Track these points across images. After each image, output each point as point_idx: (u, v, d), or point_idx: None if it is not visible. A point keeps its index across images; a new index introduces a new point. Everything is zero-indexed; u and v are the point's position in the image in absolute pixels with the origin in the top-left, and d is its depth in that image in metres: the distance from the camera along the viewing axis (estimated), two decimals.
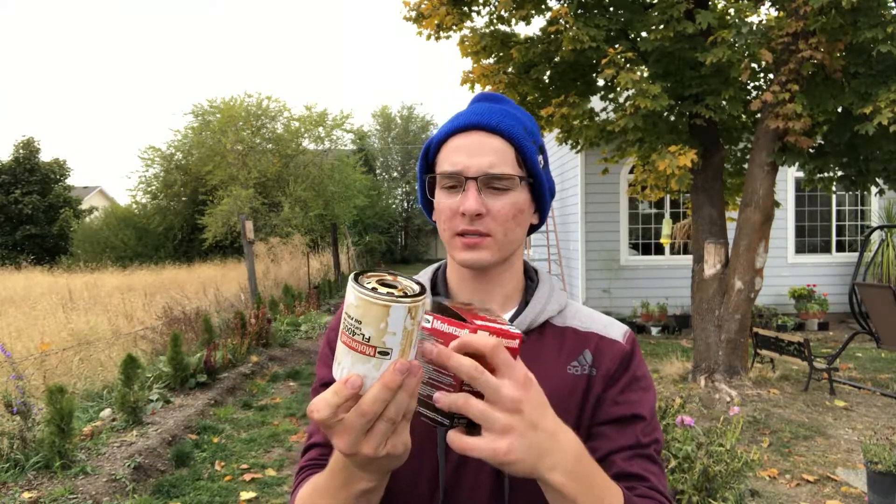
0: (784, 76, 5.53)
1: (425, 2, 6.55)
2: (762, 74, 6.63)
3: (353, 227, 24.99)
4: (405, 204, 33.30)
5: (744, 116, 6.58)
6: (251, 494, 3.94)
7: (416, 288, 0.63)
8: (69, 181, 28.37)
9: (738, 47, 5.55)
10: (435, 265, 1.04)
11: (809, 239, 10.46)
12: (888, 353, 7.84)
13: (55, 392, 3.84)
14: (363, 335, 0.59)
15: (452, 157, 0.88)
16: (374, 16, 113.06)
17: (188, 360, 5.96)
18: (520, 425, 0.62)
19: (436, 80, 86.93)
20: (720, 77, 5.79)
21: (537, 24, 57.31)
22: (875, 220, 10.42)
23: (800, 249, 10.42)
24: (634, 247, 10.49)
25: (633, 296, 10.11)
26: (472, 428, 0.65)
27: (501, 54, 6.81)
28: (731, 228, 6.57)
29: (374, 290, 0.60)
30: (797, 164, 6.15)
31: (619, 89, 6.24)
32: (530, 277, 1.00)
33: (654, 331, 9.66)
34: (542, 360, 0.88)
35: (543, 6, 6.45)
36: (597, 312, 0.98)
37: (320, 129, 21.31)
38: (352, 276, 0.62)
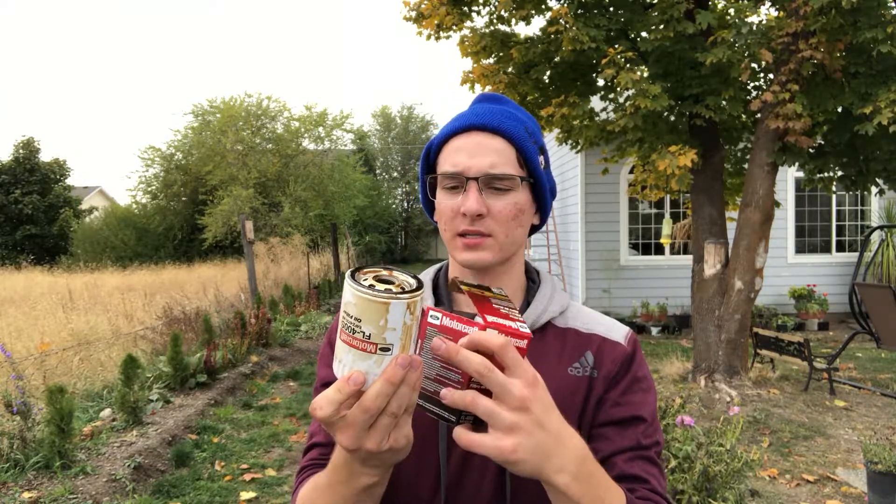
0: (784, 76, 5.53)
1: (425, 2, 6.55)
2: (762, 74, 6.63)
3: (353, 227, 24.99)
4: (405, 204, 33.30)
5: (744, 116, 6.58)
6: (251, 494, 3.94)
7: (413, 282, 0.63)
8: (69, 181, 28.36)
9: (738, 47, 5.55)
10: (437, 266, 1.04)
11: (809, 239, 10.46)
12: (888, 353, 7.84)
13: (55, 392, 3.84)
14: (363, 333, 0.59)
15: (453, 158, 0.89)
16: (374, 16, 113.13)
17: (188, 360, 5.96)
18: (527, 424, 0.63)
19: (436, 80, 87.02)
20: (720, 77, 5.79)
21: (537, 24, 57.41)
22: (875, 220, 10.42)
23: (800, 249, 10.42)
24: (634, 247, 10.49)
25: (633, 296, 10.11)
26: (479, 425, 0.65)
27: (501, 54, 6.81)
28: (731, 228, 6.57)
29: (371, 287, 0.60)
30: (797, 164, 6.15)
31: (619, 89, 6.24)
32: (531, 278, 1.00)
33: (654, 331, 9.66)
34: (543, 362, 0.87)
35: (543, 6, 6.45)
36: (599, 314, 0.98)
37: (320, 129, 21.31)
38: (348, 273, 0.62)
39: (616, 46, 5.88)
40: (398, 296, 0.59)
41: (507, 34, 6.78)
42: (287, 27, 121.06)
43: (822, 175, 6.58)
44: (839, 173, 6.52)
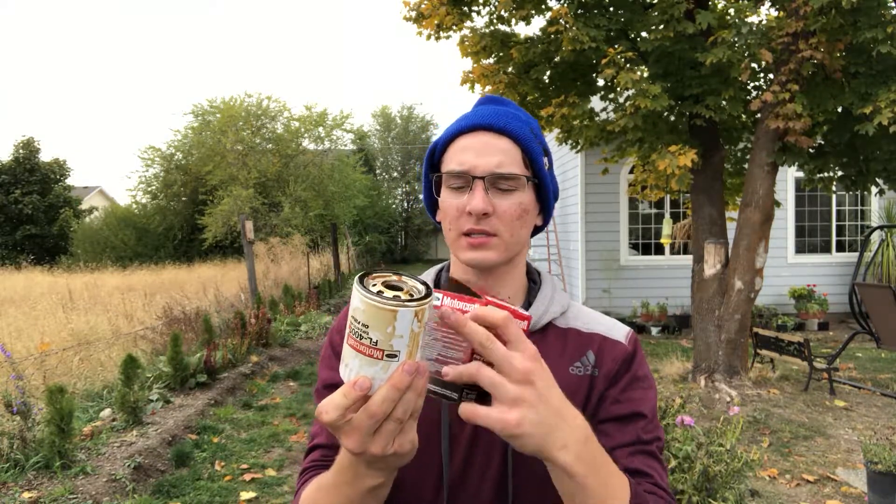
0: (784, 76, 5.53)
1: (425, 2, 6.55)
2: (762, 74, 6.63)
3: (353, 227, 24.99)
4: (405, 204, 33.31)
5: (744, 116, 6.58)
6: (251, 494, 3.94)
7: (422, 289, 0.63)
8: (69, 181, 28.37)
9: (738, 47, 5.55)
10: (438, 266, 1.04)
11: (809, 239, 10.46)
12: (888, 353, 7.84)
13: (55, 392, 3.84)
14: (371, 339, 0.59)
15: (459, 157, 0.89)
16: (374, 16, 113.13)
17: (188, 360, 5.96)
18: (531, 397, 0.63)
19: (436, 80, 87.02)
20: (720, 77, 5.79)
21: (537, 24, 57.37)
22: (875, 220, 10.42)
23: (800, 249, 10.42)
24: (634, 247, 10.49)
25: (633, 296, 10.11)
26: (482, 402, 0.65)
27: (501, 54, 6.81)
28: (731, 228, 6.57)
29: (379, 293, 0.60)
30: (797, 164, 6.15)
31: (619, 89, 6.24)
32: (532, 279, 1.00)
33: (654, 331, 9.66)
34: (544, 361, 0.88)
35: (543, 6, 6.46)
36: (599, 314, 0.98)
37: (320, 129, 21.30)
38: (356, 278, 0.62)
39: (616, 46, 5.88)
40: (406, 303, 0.59)
41: (507, 34, 6.79)
42: (287, 27, 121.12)
43: (822, 175, 6.58)
44: (839, 173, 6.52)
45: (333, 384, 0.91)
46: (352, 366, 0.62)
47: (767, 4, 6.39)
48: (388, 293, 0.60)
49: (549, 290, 0.97)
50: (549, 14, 6.32)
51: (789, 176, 10.03)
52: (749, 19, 5.70)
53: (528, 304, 0.96)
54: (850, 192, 9.40)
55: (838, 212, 10.49)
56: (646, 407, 0.88)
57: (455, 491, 0.87)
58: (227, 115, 19.60)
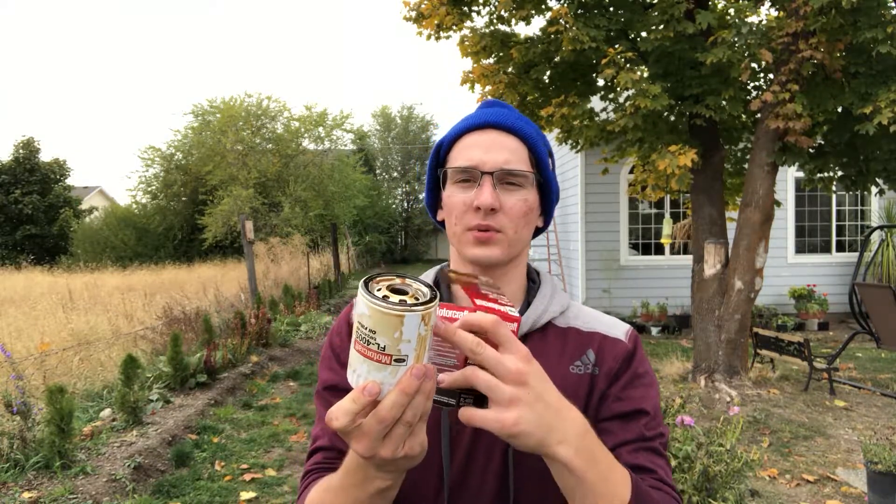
0: (784, 76, 5.53)
1: (425, 2, 6.55)
2: (762, 74, 6.63)
3: (353, 227, 24.99)
4: (405, 204, 33.30)
5: (744, 116, 6.58)
6: (251, 494, 3.94)
7: (427, 292, 0.63)
8: (69, 181, 28.36)
9: (738, 47, 5.55)
10: (438, 266, 1.04)
11: (809, 239, 10.46)
12: (888, 353, 7.84)
13: (55, 392, 3.84)
14: (378, 344, 0.59)
15: (467, 153, 0.90)
16: (374, 16, 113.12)
17: (188, 360, 5.96)
18: (526, 397, 0.64)
19: (436, 80, 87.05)
20: (720, 77, 5.79)
21: (537, 24, 57.32)
22: (875, 220, 10.42)
23: (800, 249, 10.42)
24: (634, 247, 10.49)
25: (633, 296, 10.11)
26: (480, 406, 0.66)
27: (501, 54, 6.81)
28: (731, 228, 6.57)
29: (385, 298, 0.59)
30: (797, 164, 6.15)
31: (619, 89, 6.24)
32: (532, 279, 1.00)
33: (654, 331, 9.66)
34: (544, 361, 0.87)
35: (543, 6, 6.46)
36: (599, 313, 0.98)
37: (320, 129, 21.29)
38: (361, 284, 0.62)
39: (616, 46, 5.88)
40: (413, 308, 0.59)
41: (507, 34, 6.79)
42: (287, 27, 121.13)
43: (822, 175, 6.57)
44: (839, 173, 6.52)
45: (333, 385, 0.92)
46: (360, 371, 0.62)
47: (767, 4, 6.39)
48: (394, 297, 0.60)
49: (549, 290, 0.97)
50: (549, 14, 6.32)
51: (789, 176, 10.03)
52: (749, 19, 5.69)
53: (527, 304, 0.96)
54: (850, 192, 9.40)
55: (838, 212, 10.49)
56: (648, 404, 0.88)
57: (456, 490, 0.87)
58: (227, 115, 19.59)
